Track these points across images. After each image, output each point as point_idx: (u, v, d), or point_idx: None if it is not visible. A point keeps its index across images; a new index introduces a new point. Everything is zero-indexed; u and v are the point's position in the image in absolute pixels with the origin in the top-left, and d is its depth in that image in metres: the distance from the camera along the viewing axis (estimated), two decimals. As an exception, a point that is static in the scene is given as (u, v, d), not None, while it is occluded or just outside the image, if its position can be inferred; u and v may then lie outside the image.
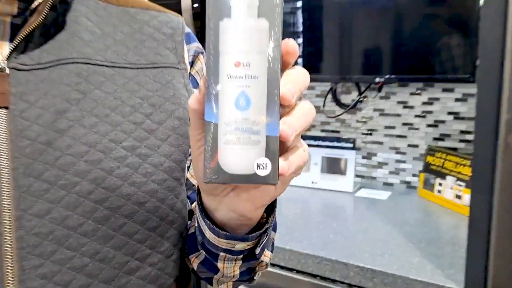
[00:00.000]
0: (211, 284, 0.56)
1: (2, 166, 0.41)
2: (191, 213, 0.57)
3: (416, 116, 1.55)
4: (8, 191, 0.41)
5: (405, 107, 1.57)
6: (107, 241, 0.44)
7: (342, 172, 1.58)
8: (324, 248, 1.12)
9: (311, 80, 1.79)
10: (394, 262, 1.05)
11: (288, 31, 1.70)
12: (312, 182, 1.62)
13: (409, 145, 1.58)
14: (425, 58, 1.40)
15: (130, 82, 0.48)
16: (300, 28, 1.68)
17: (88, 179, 0.43)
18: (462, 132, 1.47)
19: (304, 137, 1.66)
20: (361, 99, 1.63)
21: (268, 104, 0.32)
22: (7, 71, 0.42)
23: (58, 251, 0.42)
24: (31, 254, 0.41)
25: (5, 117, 0.42)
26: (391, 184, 1.64)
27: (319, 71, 1.63)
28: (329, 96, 1.70)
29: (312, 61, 1.64)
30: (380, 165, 1.65)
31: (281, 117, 0.33)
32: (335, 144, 1.62)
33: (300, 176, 1.63)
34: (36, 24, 0.44)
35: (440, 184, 1.43)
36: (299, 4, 1.67)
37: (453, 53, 1.35)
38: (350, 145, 1.59)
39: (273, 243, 0.55)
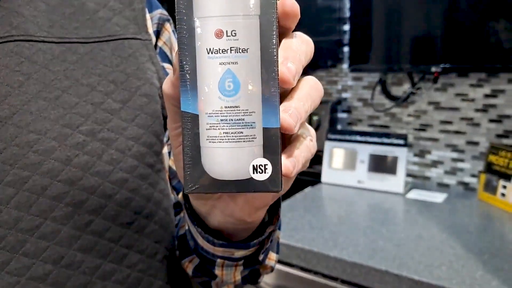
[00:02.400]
0: None
1: None
2: (178, 205, 0.51)
3: (477, 110, 1.46)
4: None
5: (464, 100, 1.48)
6: (72, 243, 0.38)
7: (391, 171, 1.50)
8: (372, 257, 1.03)
9: (359, 70, 1.69)
10: (453, 276, 0.94)
11: (333, 17, 1.62)
12: (358, 182, 1.53)
13: (468, 143, 1.49)
14: (488, 44, 1.30)
15: (84, 58, 0.42)
16: (347, 14, 1.64)
17: (41, 172, 0.37)
18: (531, 128, 1.35)
19: (352, 133, 1.56)
20: (414, 91, 1.55)
21: (264, 86, 0.25)
22: None
23: (14, 259, 0.36)
24: None
25: None
26: (447, 185, 1.55)
27: (367, 61, 1.58)
28: (378, 88, 1.64)
29: (359, 49, 1.58)
30: (435, 164, 1.57)
31: (280, 101, 0.26)
32: (384, 140, 1.54)
33: (345, 174, 1.54)
34: None
35: (504, 187, 1.31)
36: (346, -12, 1.59)
37: None
38: (401, 141, 1.52)
39: (278, 243, 0.48)
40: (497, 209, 1.31)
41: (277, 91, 0.25)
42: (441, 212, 1.30)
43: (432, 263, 1.00)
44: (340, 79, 1.74)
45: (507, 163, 1.31)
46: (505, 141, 1.41)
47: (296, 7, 0.26)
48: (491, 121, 1.43)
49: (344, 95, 1.73)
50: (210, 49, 0.24)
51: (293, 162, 0.27)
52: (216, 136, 0.25)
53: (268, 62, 0.25)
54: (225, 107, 0.25)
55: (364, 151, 1.54)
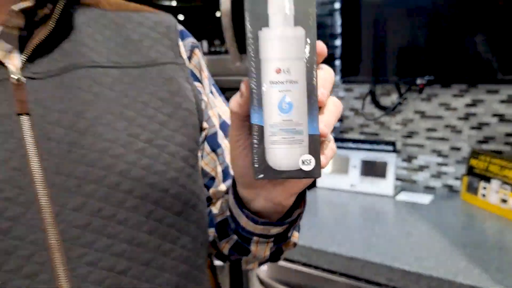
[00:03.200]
0: (239, 265, 0.62)
1: (34, 167, 0.43)
2: (208, 199, 0.61)
3: (459, 118, 1.52)
4: (44, 190, 0.43)
5: (447, 109, 1.54)
6: (140, 227, 0.47)
7: (382, 175, 1.57)
8: (367, 252, 1.12)
9: (350, 82, 1.77)
10: (440, 266, 1.03)
11: (325, 33, 1.70)
12: (351, 185, 1.61)
13: (452, 148, 1.56)
14: (468, 58, 1.38)
15: (136, 80, 0.51)
16: (338, 30, 1.69)
17: (115, 172, 0.46)
18: (508, 134, 1.44)
19: (343, 140, 1.66)
20: (401, 101, 1.62)
21: (308, 106, 0.35)
22: (23, 80, 0.45)
23: (99, 239, 0.45)
24: (75, 244, 0.44)
25: (29, 122, 0.44)
26: (432, 188, 1.61)
27: (357, 73, 1.62)
28: (368, 98, 1.70)
29: (350, 63, 1.63)
30: (421, 168, 1.63)
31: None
32: (375, 147, 1.61)
33: (339, 179, 1.63)
34: (44, 36, 0.46)
35: (484, 188, 1.40)
36: (337, 6, 1.67)
37: (497, 53, 1.32)
38: (390, 148, 1.58)
39: (299, 224, 0.59)
40: (479, 209, 1.40)
41: (317, 109, 0.35)
42: (428, 212, 1.39)
43: (421, 256, 1.09)
44: (333, 90, 1.81)
45: (486, 166, 1.41)
46: (485, 146, 1.48)
47: (325, 50, 0.36)
48: (472, 128, 1.50)
49: (336, 105, 1.80)
50: (272, 81, 0.35)
51: (325, 157, 0.38)
52: (276, 140, 0.36)
53: (311, 89, 0.35)
54: (282, 120, 0.35)
55: (356, 157, 1.62)
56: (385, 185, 1.56)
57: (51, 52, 0.47)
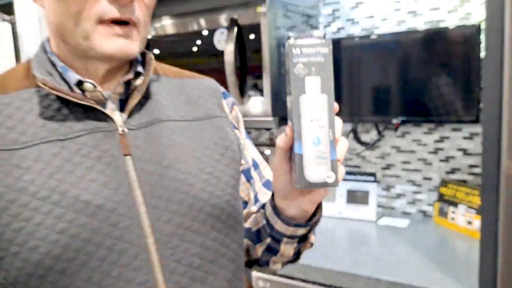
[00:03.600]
0: (268, 265, 0.80)
1: (136, 192, 0.62)
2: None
3: (429, 152, 1.74)
4: (143, 208, 0.62)
5: (419, 144, 1.77)
6: (207, 235, 0.66)
7: (365, 203, 1.77)
8: (356, 268, 1.31)
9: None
10: (419, 277, 1.24)
11: None
12: (338, 212, 1.81)
13: (424, 178, 1.77)
14: (436, 102, 1.61)
15: (197, 130, 0.71)
16: None
17: (191, 196, 0.65)
18: (471, 166, 1.66)
19: None
20: (379, 138, 1.84)
21: (330, 141, 0.57)
22: (126, 131, 0.64)
23: (181, 244, 0.63)
24: (166, 247, 0.62)
25: (131, 161, 0.63)
26: (409, 213, 1.82)
27: (340, 113, 1.83)
28: (351, 135, 1.90)
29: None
30: (399, 196, 1.83)
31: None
32: (358, 177, 1.81)
33: (327, 206, 1.82)
34: (138, 99, 0.66)
35: (453, 212, 1.62)
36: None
37: (460, 98, 1.56)
38: (371, 178, 1.79)
39: (315, 229, 0.79)
40: (449, 230, 1.61)
41: (334, 143, 0.57)
42: (406, 234, 1.59)
43: (402, 269, 1.29)
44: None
45: (454, 193, 1.63)
46: (452, 176, 1.69)
47: (337, 107, 0.58)
48: (441, 161, 1.71)
49: (322, 141, 2.02)
50: (308, 126, 0.56)
51: (341, 175, 0.59)
52: (311, 163, 0.57)
53: (332, 131, 0.56)
54: (314, 150, 0.56)
55: (342, 187, 1.82)
56: (368, 211, 1.76)
57: (141, 110, 0.67)
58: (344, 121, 1.84)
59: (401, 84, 1.67)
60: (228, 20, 1.62)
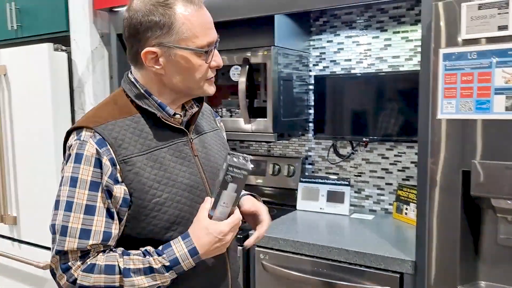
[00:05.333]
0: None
1: (203, 176, 1.11)
2: None
3: (390, 164, 2.22)
4: (207, 184, 1.11)
5: (383, 157, 2.24)
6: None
7: (341, 201, 2.25)
8: (332, 243, 1.80)
9: (320, 138, 2.52)
10: (378, 249, 1.72)
11: (303, 105, 2.39)
12: (320, 208, 2.29)
13: (386, 184, 2.25)
14: (395, 125, 2.11)
15: (215, 137, 1.22)
16: (312, 102, 2.39)
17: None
18: (421, 175, 2.17)
19: (315, 177, 2.35)
20: (353, 152, 2.32)
21: (228, 214, 1.03)
22: (192, 140, 1.13)
23: None
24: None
25: (198, 159, 1.12)
26: (374, 210, 2.30)
27: (323, 132, 2.31)
28: (331, 149, 2.37)
29: (319, 125, 2.32)
30: (367, 197, 2.30)
31: (230, 214, 1.03)
32: (336, 182, 2.29)
33: (311, 204, 2.30)
34: (195, 121, 1.15)
35: (406, 209, 2.12)
36: (311, 87, 2.41)
37: (412, 122, 2.05)
38: (346, 183, 2.26)
39: None
40: (403, 222, 2.09)
41: (229, 210, 1.03)
42: (372, 225, 2.07)
43: (365, 244, 1.77)
44: (307, 143, 2.44)
45: (407, 195, 2.11)
46: (407, 182, 2.16)
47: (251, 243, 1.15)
48: (398, 170, 2.18)
49: (310, 153, 2.45)
50: (222, 204, 1.01)
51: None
52: (220, 213, 1.02)
53: (231, 209, 1.03)
54: (222, 212, 1.02)
55: (323, 189, 2.29)
56: (343, 208, 2.24)
57: (194, 124, 1.15)
58: (326, 138, 2.38)
59: (371, 111, 2.17)
60: (242, 59, 2.13)
